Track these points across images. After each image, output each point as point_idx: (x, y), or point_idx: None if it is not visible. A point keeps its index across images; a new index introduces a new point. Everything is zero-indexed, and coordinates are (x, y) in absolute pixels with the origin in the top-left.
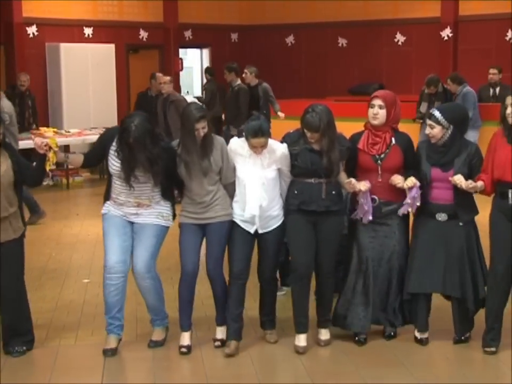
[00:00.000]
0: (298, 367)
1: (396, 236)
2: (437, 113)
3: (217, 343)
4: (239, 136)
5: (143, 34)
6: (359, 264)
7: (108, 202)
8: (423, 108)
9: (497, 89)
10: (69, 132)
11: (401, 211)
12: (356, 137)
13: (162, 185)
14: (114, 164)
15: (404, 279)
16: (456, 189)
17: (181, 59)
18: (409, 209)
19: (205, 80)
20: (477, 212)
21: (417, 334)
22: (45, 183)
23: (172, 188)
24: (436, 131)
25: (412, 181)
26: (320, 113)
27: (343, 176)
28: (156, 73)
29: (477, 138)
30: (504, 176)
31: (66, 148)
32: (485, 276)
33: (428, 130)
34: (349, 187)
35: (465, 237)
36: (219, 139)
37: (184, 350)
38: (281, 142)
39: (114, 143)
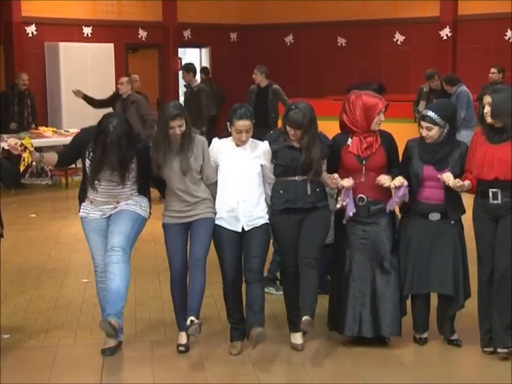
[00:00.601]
0: (297, 366)
1: (385, 234)
2: (431, 114)
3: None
4: None
5: (142, 33)
6: (352, 267)
7: (85, 203)
8: (422, 106)
9: None
10: (68, 131)
11: (388, 208)
12: (338, 138)
13: (139, 184)
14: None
15: (399, 279)
16: (446, 188)
17: (180, 58)
18: (395, 206)
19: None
20: (464, 211)
21: (416, 334)
22: (44, 183)
23: (148, 186)
24: (433, 132)
25: (399, 180)
26: (303, 110)
27: (325, 176)
28: (132, 74)
29: (471, 138)
30: (482, 174)
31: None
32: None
33: (424, 133)
34: (331, 183)
35: (457, 234)
36: (200, 138)
37: (182, 348)
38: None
39: (90, 146)
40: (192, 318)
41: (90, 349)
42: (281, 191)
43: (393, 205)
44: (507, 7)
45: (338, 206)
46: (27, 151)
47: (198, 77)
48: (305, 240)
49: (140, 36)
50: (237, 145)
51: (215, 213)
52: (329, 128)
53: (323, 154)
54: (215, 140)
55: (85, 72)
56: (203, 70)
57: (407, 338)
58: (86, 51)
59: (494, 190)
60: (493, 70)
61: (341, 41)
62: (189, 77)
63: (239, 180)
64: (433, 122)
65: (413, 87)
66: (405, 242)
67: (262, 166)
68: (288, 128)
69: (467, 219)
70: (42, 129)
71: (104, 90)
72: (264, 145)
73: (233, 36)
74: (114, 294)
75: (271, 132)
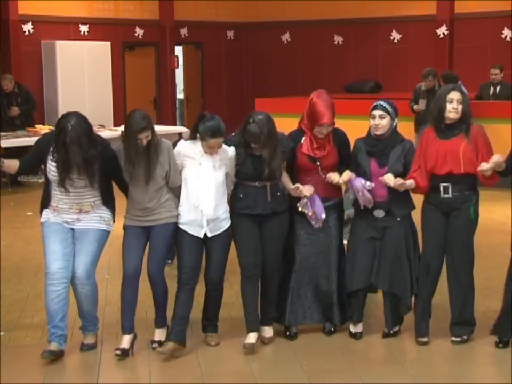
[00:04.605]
0: (294, 365)
1: (333, 230)
2: (384, 103)
3: (155, 345)
4: None
5: (139, 31)
6: (296, 260)
7: (47, 210)
8: (422, 105)
9: (498, 88)
10: None
11: (362, 203)
12: (293, 135)
13: (102, 191)
14: (52, 169)
15: (343, 276)
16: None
17: (177, 56)
18: (367, 199)
19: None
20: (412, 207)
21: (352, 328)
22: (40, 181)
23: (112, 193)
24: (386, 121)
25: (347, 174)
26: (259, 124)
27: (285, 178)
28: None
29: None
30: (436, 169)
31: None
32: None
33: (377, 121)
34: (295, 194)
35: (404, 232)
36: (165, 143)
37: (118, 352)
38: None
39: (52, 148)
40: (156, 338)
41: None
42: (241, 195)
43: (363, 199)
44: (504, 6)
45: (307, 212)
46: None
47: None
48: (268, 253)
49: (136, 34)
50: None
51: (176, 216)
52: None
53: (284, 158)
54: (181, 144)
55: (81, 70)
56: None
57: (405, 336)
58: (83, 49)
59: (445, 184)
60: (496, 70)
61: (338, 39)
62: None
63: (204, 190)
64: (386, 110)
65: (409, 85)
66: (352, 239)
67: (226, 173)
68: (247, 141)
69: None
70: (39, 127)
71: (100, 89)
72: (231, 152)
73: (230, 33)
74: (90, 315)
75: (232, 134)
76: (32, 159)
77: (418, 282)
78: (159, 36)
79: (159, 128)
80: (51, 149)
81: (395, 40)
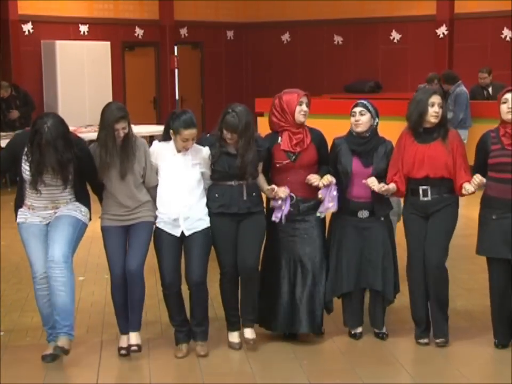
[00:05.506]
0: (294, 365)
1: (315, 232)
2: (364, 101)
3: (134, 347)
4: None
5: (139, 31)
6: (282, 264)
7: (22, 209)
8: None
9: (490, 89)
10: None
11: (322, 212)
12: (269, 137)
13: (77, 189)
14: (27, 168)
15: (325, 278)
16: None
17: (177, 56)
18: (330, 208)
19: None
20: (391, 207)
21: (351, 330)
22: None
23: (87, 191)
24: (366, 118)
25: (327, 179)
26: (239, 114)
27: (261, 179)
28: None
29: (467, 137)
30: (413, 173)
31: None
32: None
33: (357, 117)
34: (270, 195)
35: (387, 230)
36: (141, 140)
37: (124, 352)
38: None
39: (26, 149)
40: (132, 342)
41: (87, 346)
42: (216, 195)
43: (326, 208)
44: (504, 6)
45: (282, 213)
46: None
47: None
48: (244, 250)
49: (136, 34)
50: (178, 150)
51: (156, 216)
52: (326, 126)
53: (259, 157)
54: (155, 143)
55: (81, 70)
56: None
57: (405, 336)
58: (83, 49)
59: (424, 187)
60: (483, 75)
61: (338, 39)
62: None
63: (179, 188)
64: (366, 108)
65: (409, 85)
66: (336, 241)
67: (202, 173)
68: (225, 132)
69: None
70: None
71: (100, 88)
72: (205, 152)
73: (230, 33)
74: (62, 311)
75: (207, 135)
76: (4, 160)
77: (412, 286)
78: (159, 36)
79: (159, 128)
80: (25, 150)
81: (395, 40)
